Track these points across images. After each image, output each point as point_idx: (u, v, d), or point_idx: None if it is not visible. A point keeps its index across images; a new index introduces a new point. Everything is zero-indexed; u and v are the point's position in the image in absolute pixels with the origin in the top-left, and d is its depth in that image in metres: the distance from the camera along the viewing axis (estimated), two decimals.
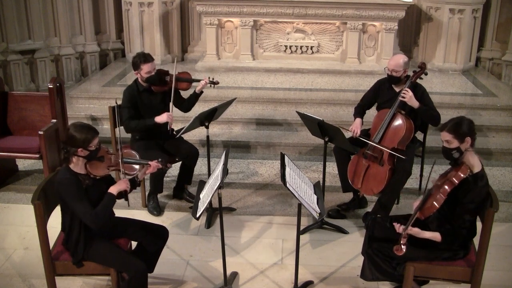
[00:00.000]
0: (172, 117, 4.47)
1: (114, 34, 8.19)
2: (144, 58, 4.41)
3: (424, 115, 4.33)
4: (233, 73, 7.29)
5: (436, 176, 3.39)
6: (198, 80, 4.68)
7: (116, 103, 4.39)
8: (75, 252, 3.20)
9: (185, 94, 4.81)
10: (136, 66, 4.44)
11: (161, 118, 4.44)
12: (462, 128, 3.12)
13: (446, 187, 3.11)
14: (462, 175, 3.09)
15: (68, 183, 3.07)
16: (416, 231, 3.17)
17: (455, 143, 3.12)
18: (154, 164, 3.42)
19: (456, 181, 3.09)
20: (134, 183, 3.42)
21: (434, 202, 3.12)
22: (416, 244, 3.21)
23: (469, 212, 3.11)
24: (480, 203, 3.13)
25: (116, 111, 4.25)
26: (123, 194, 3.27)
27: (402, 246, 3.07)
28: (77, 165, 3.16)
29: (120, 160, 3.29)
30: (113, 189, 3.19)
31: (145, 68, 4.40)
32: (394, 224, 3.20)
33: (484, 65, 7.87)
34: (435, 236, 3.18)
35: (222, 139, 5.93)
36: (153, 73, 4.45)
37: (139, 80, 4.51)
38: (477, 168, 3.14)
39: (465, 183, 3.11)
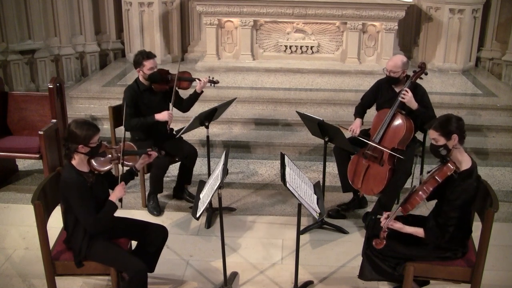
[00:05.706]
0: (172, 116, 4.49)
1: (114, 34, 8.18)
2: (147, 54, 4.46)
3: (422, 117, 4.32)
4: (233, 73, 7.28)
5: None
6: (199, 79, 4.68)
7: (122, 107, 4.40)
8: (79, 251, 3.20)
9: (185, 94, 4.81)
10: (138, 63, 4.46)
11: (162, 116, 4.47)
12: (449, 125, 3.12)
13: (430, 184, 3.14)
14: (447, 173, 3.11)
15: (74, 184, 3.07)
16: (398, 226, 3.21)
17: (441, 141, 3.13)
18: (153, 154, 3.45)
19: (440, 179, 3.11)
20: (132, 174, 3.45)
21: (416, 197, 3.16)
22: (407, 242, 3.23)
23: (455, 209, 3.11)
24: (467, 200, 3.12)
25: (123, 109, 4.24)
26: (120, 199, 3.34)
27: (383, 240, 3.14)
28: (80, 162, 3.17)
29: (120, 153, 3.31)
30: (113, 197, 3.24)
31: (148, 65, 4.43)
32: (380, 217, 3.24)
33: (484, 65, 7.86)
34: (418, 231, 3.20)
35: (222, 139, 5.93)
36: (155, 70, 4.47)
37: (140, 78, 4.52)
38: (465, 165, 3.14)
39: (451, 180, 3.12)
